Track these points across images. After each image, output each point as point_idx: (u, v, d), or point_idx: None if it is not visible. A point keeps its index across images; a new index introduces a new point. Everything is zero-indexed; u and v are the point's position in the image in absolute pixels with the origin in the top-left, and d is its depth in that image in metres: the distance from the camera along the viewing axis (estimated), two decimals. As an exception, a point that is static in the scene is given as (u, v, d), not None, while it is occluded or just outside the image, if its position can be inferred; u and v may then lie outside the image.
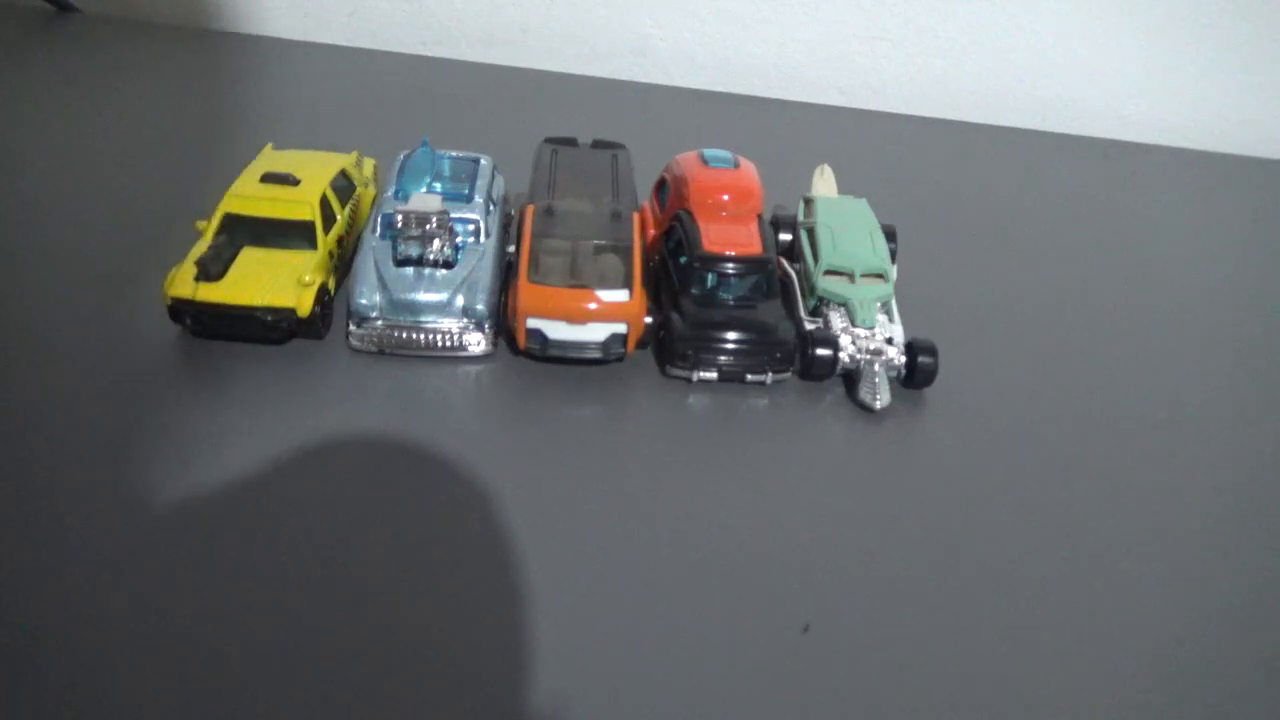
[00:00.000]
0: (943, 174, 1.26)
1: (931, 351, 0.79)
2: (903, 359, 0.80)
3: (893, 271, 0.88)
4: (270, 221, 0.78)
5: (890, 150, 1.31)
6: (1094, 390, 0.86)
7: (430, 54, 1.41)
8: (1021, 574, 0.65)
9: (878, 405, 0.77)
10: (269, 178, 0.80)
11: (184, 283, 0.73)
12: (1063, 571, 0.66)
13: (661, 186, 0.92)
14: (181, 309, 0.73)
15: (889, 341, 0.81)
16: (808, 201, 0.94)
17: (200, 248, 0.75)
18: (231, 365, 0.74)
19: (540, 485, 0.68)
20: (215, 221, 0.77)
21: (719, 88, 1.43)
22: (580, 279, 0.77)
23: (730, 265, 0.80)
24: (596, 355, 0.77)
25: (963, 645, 0.60)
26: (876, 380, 0.78)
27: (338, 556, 0.60)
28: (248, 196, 0.78)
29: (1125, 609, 0.64)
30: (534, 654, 0.56)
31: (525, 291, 0.76)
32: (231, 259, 0.75)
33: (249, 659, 0.53)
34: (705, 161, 0.89)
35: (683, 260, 0.82)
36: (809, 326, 0.83)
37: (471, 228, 0.80)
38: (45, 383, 0.70)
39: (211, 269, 0.73)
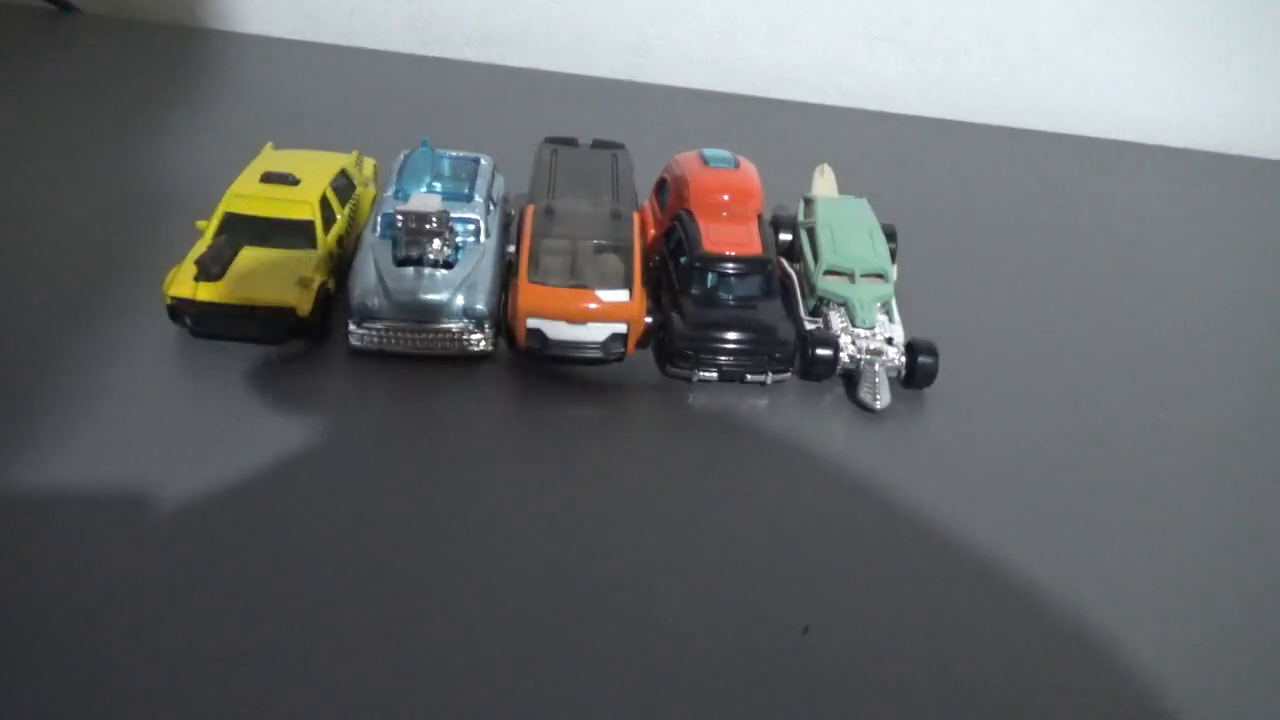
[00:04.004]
0: (943, 174, 1.26)
1: (932, 351, 0.79)
2: (903, 359, 0.80)
3: (893, 271, 0.88)
4: (270, 221, 0.78)
5: (890, 150, 1.31)
6: (1094, 390, 0.85)
7: (430, 54, 1.41)
8: (1022, 574, 0.65)
9: (878, 405, 0.77)
10: (269, 177, 0.80)
11: (184, 282, 0.73)
12: (1063, 572, 0.66)
13: (662, 186, 0.92)
14: (181, 309, 0.73)
15: (889, 341, 0.81)
16: (808, 201, 0.95)
17: (200, 247, 0.75)
18: (231, 365, 0.74)
19: (540, 485, 0.68)
20: (215, 221, 0.77)
21: (719, 88, 1.43)
22: (580, 279, 0.77)
23: (730, 265, 0.80)
24: (596, 355, 0.77)
25: (963, 646, 0.60)
26: (876, 380, 0.78)
27: (337, 556, 0.60)
28: (248, 196, 0.78)
29: (1127, 609, 0.64)
30: (531, 653, 0.56)
31: (525, 291, 0.76)
32: (231, 258, 0.75)
33: (247, 660, 0.53)
34: (705, 161, 0.89)
35: (683, 260, 0.82)
36: (809, 327, 0.83)
37: (471, 227, 0.80)
38: (44, 383, 0.70)
39: (211, 268, 0.72)
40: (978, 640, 0.60)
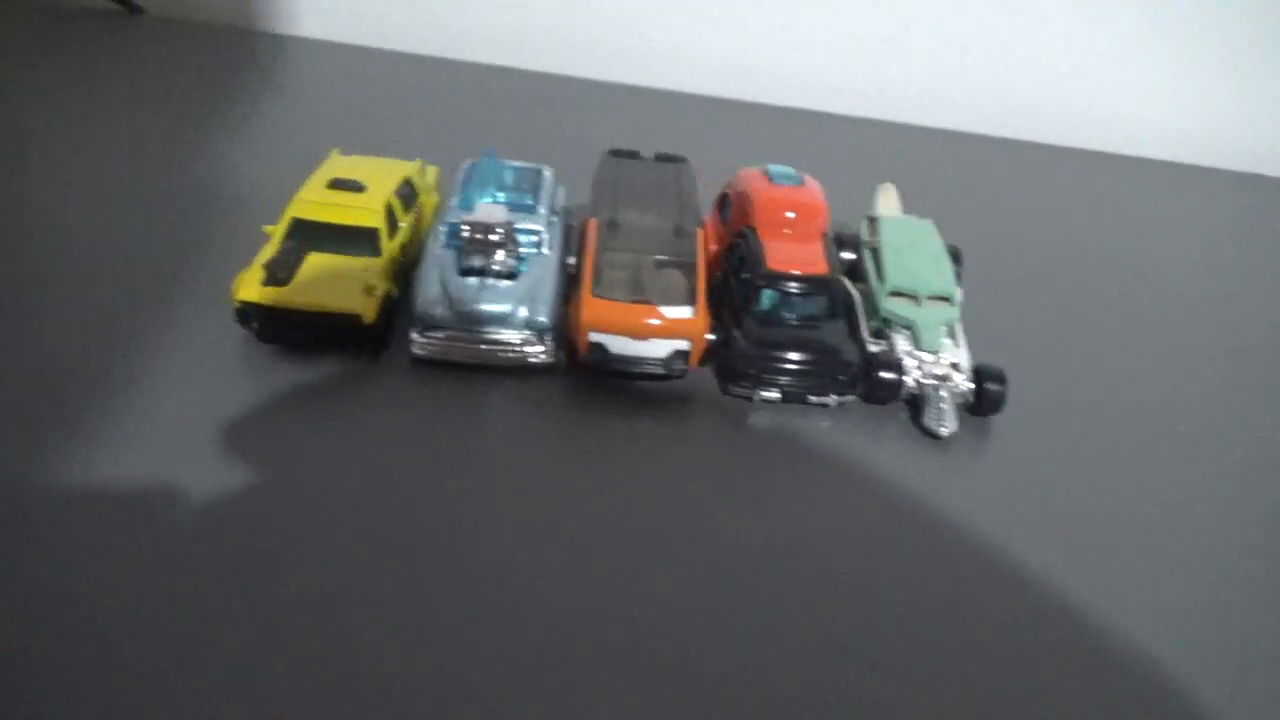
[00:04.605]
0: (1010, 194, 1.24)
1: (1000, 379, 0.77)
2: (970, 385, 0.78)
3: (958, 294, 0.86)
4: (336, 227, 0.78)
5: (954, 169, 1.29)
6: (1171, 420, 0.83)
7: (489, 61, 1.41)
8: (1095, 613, 0.63)
9: (944, 433, 0.75)
10: (336, 184, 0.80)
11: (252, 286, 0.73)
12: (1142, 612, 0.64)
13: (724, 202, 0.91)
14: (249, 312, 0.74)
15: (955, 367, 0.79)
16: (871, 220, 0.93)
17: (268, 252, 0.76)
18: (295, 369, 0.74)
19: (595, 502, 0.67)
20: (283, 226, 0.78)
21: (777, 101, 1.42)
22: (643, 294, 0.76)
23: (794, 285, 0.79)
24: (658, 371, 0.76)
25: (1036, 685, 0.58)
26: (943, 407, 0.76)
27: (388, 561, 0.60)
28: (315, 202, 0.79)
29: (1209, 652, 0.62)
30: (578, 675, 0.55)
31: (589, 305, 0.75)
32: (298, 264, 0.75)
33: (293, 663, 0.53)
34: (770, 178, 0.88)
35: (744, 277, 0.81)
36: (872, 349, 0.82)
37: (535, 239, 0.80)
38: (109, 382, 0.71)
39: (279, 273, 0.73)
40: (1050, 678, 0.58)
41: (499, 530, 0.63)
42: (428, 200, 0.89)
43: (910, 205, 0.98)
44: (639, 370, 0.76)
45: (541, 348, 0.76)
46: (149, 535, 0.59)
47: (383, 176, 0.84)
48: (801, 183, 0.88)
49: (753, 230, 0.84)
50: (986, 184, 1.27)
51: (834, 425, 0.77)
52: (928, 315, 0.82)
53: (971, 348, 0.82)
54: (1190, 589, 0.67)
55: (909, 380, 0.78)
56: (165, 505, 0.61)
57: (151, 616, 0.54)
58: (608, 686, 0.54)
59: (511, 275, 0.77)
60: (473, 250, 0.76)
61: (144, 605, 0.55)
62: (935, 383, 0.78)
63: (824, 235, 0.85)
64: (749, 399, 0.77)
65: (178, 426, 0.67)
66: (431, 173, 0.94)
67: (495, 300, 0.75)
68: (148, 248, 0.87)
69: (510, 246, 0.77)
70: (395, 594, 0.58)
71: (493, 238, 0.76)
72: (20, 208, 0.91)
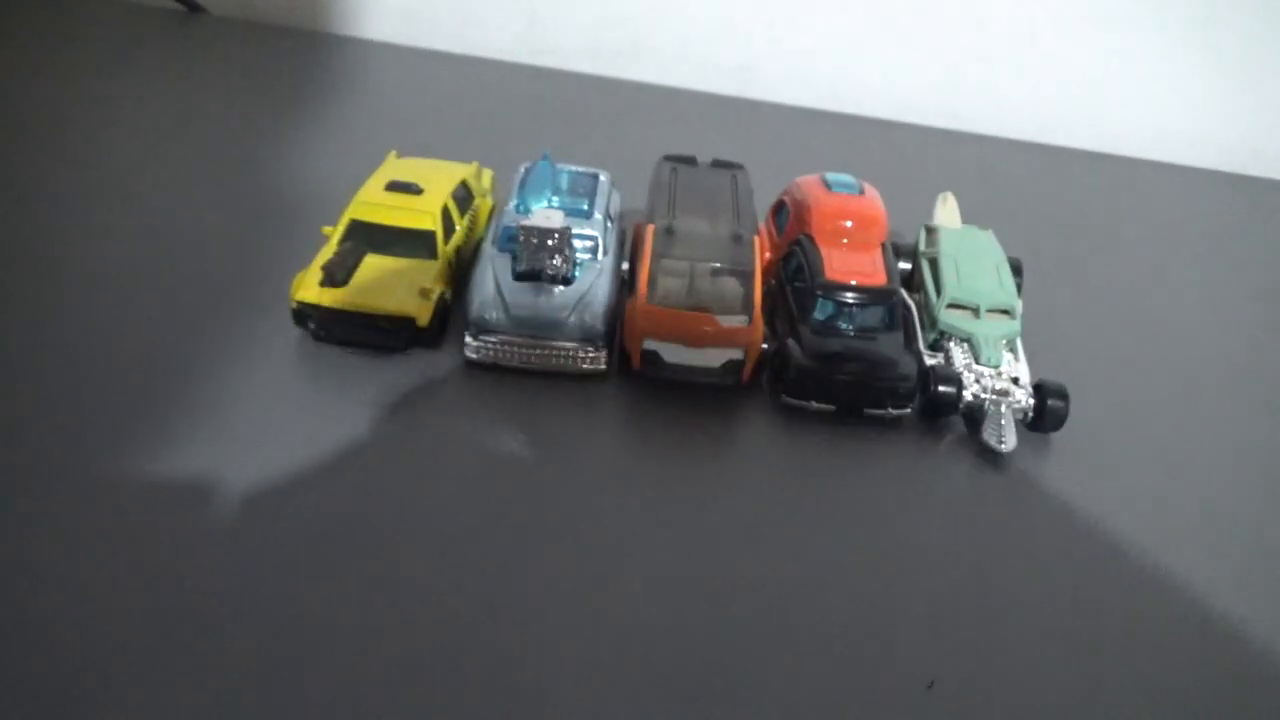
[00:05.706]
0: (1072, 205, 1.22)
1: (1062, 395, 0.76)
2: (1031, 401, 0.76)
3: (1019, 307, 0.84)
4: (393, 230, 0.78)
5: (1013, 179, 1.26)
6: (1240, 440, 0.81)
7: (541, 64, 1.41)
8: (1158, 632, 0.62)
9: (1003, 449, 0.74)
10: (394, 186, 0.81)
11: (310, 287, 0.74)
12: (1206, 636, 0.62)
13: (779, 209, 0.90)
14: (306, 313, 0.74)
15: (1015, 381, 0.78)
16: (929, 230, 0.92)
17: (326, 253, 0.76)
18: (349, 370, 0.75)
19: (645, 511, 0.66)
20: (341, 228, 0.78)
21: (831, 107, 1.41)
22: (699, 302, 0.76)
23: (853, 295, 0.78)
24: (711, 380, 0.76)
25: (1093, 705, 0.56)
26: (1003, 422, 0.75)
27: (431, 566, 0.60)
28: (373, 204, 0.79)
29: (1272, 678, 0.60)
30: (629, 688, 0.54)
31: (644, 313, 0.75)
32: (356, 265, 0.75)
33: (327, 663, 0.53)
34: (828, 186, 0.87)
35: (798, 285, 0.80)
36: (929, 361, 0.80)
37: (590, 244, 0.80)
38: (165, 381, 0.72)
39: (337, 275, 0.73)
40: (1108, 699, 0.57)
41: (546, 537, 0.63)
42: (483, 203, 0.90)
43: (972, 215, 0.96)
44: (692, 379, 0.76)
45: (595, 354, 0.76)
46: (191, 528, 0.60)
47: (439, 179, 0.84)
48: (861, 191, 0.87)
49: (810, 239, 0.83)
50: (1049, 194, 1.24)
51: (890, 438, 0.76)
52: (987, 328, 0.80)
53: (1030, 362, 0.80)
54: (1256, 612, 0.64)
55: (967, 394, 0.76)
56: (209, 500, 0.62)
57: (189, 609, 0.55)
58: (654, 701, 0.54)
59: (566, 280, 0.77)
60: (528, 255, 0.76)
61: (183, 597, 0.56)
62: (995, 397, 0.76)
63: (883, 245, 0.84)
64: (803, 410, 0.76)
65: (228, 423, 0.68)
66: (487, 176, 0.94)
67: (550, 306, 0.75)
68: (205, 247, 0.88)
69: (566, 251, 0.77)
70: (438, 597, 0.58)
71: (549, 242, 0.76)
72: (77, 206, 0.92)
